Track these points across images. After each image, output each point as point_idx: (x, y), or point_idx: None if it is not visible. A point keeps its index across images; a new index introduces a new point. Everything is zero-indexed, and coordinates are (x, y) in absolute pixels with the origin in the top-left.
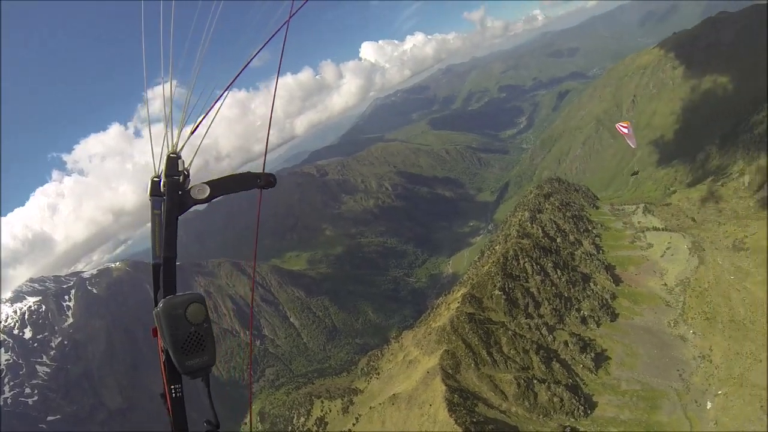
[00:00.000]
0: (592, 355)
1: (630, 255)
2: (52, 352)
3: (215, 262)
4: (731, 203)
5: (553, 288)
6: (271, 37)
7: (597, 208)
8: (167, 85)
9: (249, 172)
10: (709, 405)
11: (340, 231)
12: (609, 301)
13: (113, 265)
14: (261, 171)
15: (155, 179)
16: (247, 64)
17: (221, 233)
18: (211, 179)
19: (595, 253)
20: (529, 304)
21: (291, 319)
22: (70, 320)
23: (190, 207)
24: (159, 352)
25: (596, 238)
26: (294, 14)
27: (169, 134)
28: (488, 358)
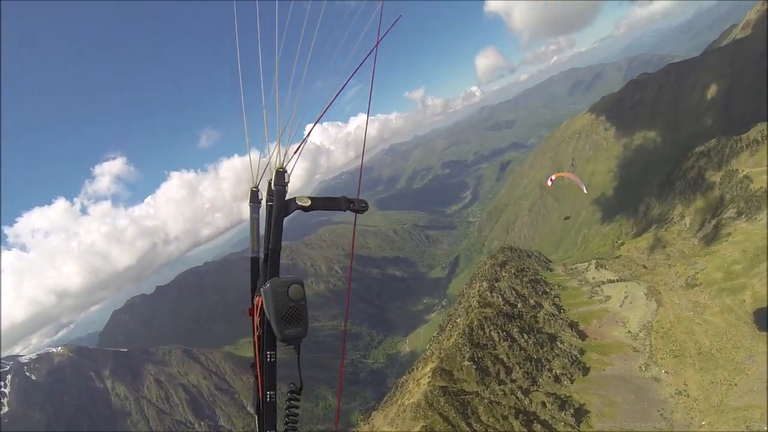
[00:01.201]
0: (572, 411)
1: (590, 309)
2: None
3: (165, 349)
4: (677, 245)
5: (522, 352)
6: (362, 63)
7: (551, 270)
8: (273, 104)
9: (344, 197)
10: None
11: None
12: (578, 356)
13: (54, 350)
14: (343, 196)
15: (253, 189)
16: (343, 87)
17: (171, 319)
18: (311, 196)
19: (557, 312)
20: (500, 370)
21: (248, 408)
22: (5, 409)
23: (294, 211)
24: (254, 328)
25: (555, 299)
26: (382, 39)
27: (276, 152)
28: (468, 429)
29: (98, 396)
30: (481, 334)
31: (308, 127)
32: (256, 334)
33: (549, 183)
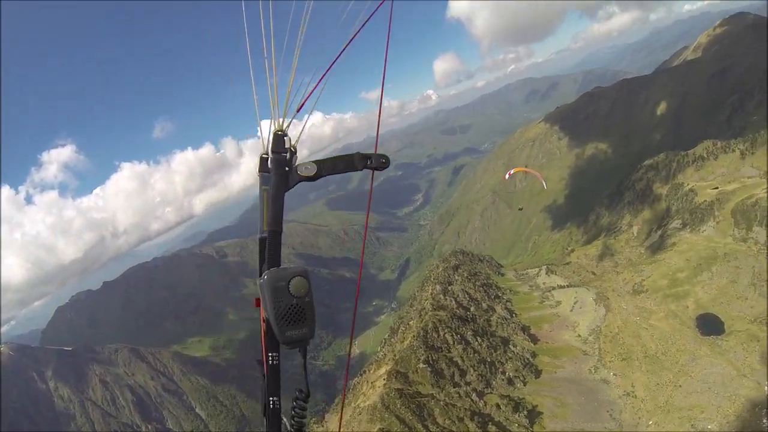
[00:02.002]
0: (525, 413)
1: (542, 314)
2: None
3: (112, 348)
4: (625, 253)
5: (476, 355)
6: (372, 14)
7: (502, 275)
8: (271, 64)
9: (359, 153)
10: None
11: (244, 315)
12: (530, 359)
13: None
14: (363, 153)
15: (264, 156)
16: (348, 42)
17: (118, 317)
18: (318, 159)
19: (509, 316)
20: (454, 373)
21: (197, 410)
22: None
23: (297, 183)
24: (261, 321)
25: (507, 303)
26: None
27: (276, 112)
28: (424, 431)
29: (41, 397)
30: (436, 336)
31: (308, 104)
32: (263, 328)
33: (507, 176)
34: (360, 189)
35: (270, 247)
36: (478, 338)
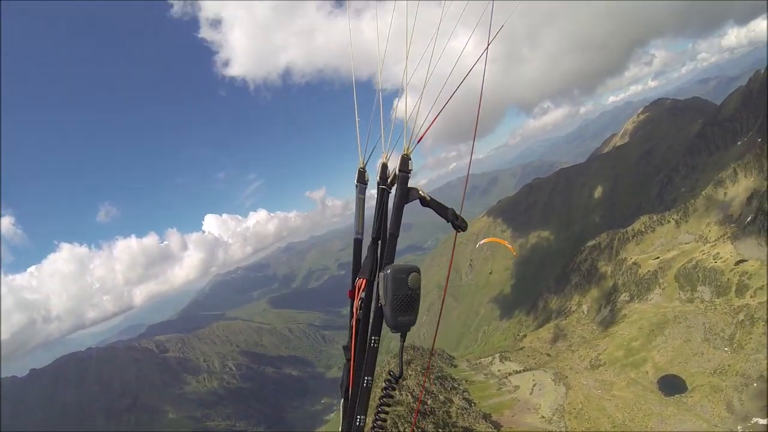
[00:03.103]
0: None
1: (501, 400)
2: None
3: None
4: (577, 332)
5: None
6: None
7: (455, 366)
8: (396, 94)
9: (452, 209)
10: None
11: (184, 413)
12: None
13: None
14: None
15: (361, 169)
16: (468, 72)
17: (44, 407)
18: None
19: (468, 406)
20: None
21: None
22: None
23: (415, 199)
24: (354, 311)
25: (464, 393)
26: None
27: (405, 139)
28: None
29: None
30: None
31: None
32: (355, 317)
33: (477, 245)
34: (303, 288)
35: (389, 248)
36: (440, 430)
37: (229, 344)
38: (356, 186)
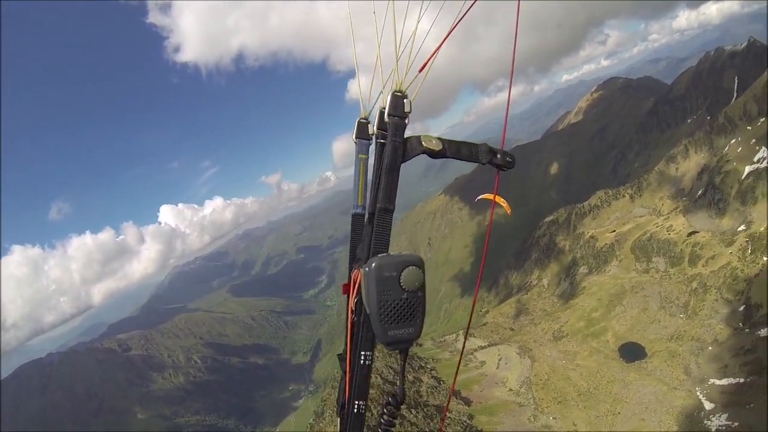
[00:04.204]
0: None
1: (469, 376)
2: None
3: None
4: (539, 305)
5: (413, 427)
6: None
7: (421, 345)
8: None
9: (486, 144)
10: None
11: (154, 412)
12: (468, 422)
13: None
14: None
15: (362, 120)
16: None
17: (8, 420)
18: (440, 137)
19: (438, 384)
20: None
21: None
22: None
23: (418, 155)
24: (348, 311)
25: (433, 371)
26: None
27: (396, 70)
28: None
29: None
30: (369, 415)
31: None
32: (350, 318)
33: (477, 199)
34: (263, 274)
35: (378, 228)
36: (413, 410)
37: (192, 337)
38: (355, 143)
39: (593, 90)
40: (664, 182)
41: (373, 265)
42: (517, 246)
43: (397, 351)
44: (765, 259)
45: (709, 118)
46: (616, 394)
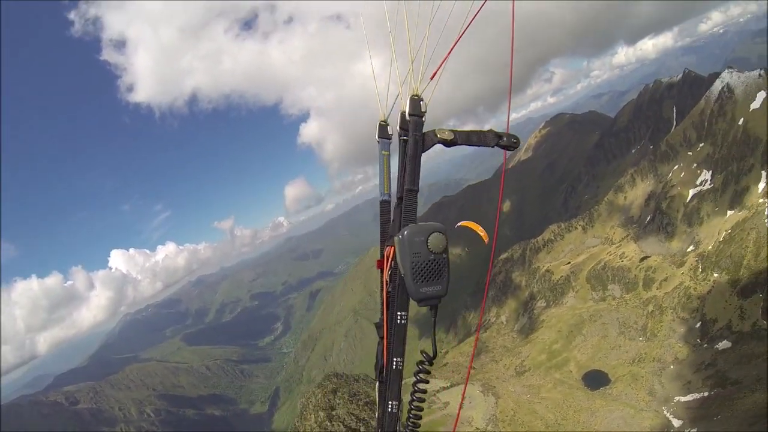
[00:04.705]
0: None
1: (433, 419)
2: None
3: None
4: (499, 342)
5: None
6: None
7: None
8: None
9: (492, 130)
10: None
11: None
12: None
13: None
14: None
15: (382, 123)
16: (481, 8)
17: None
18: (452, 128)
19: (403, 429)
20: None
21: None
22: None
23: (434, 145)
24: (383, 283)
25: None
26: None
27: (411, 77)
28: None
29: None
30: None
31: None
32: (386, 289)
33: (456, 226)
34: (217, 322)
35: (407, 206)
36: None
37: (144, 388)
38: (378, 142)
39: (541, 127)
40: (613, 211)
41: (405, 232)
42: (473, 285)
43: (427, 307)
44: (715, 275)
45: (652, 147)
46: (584, 422)
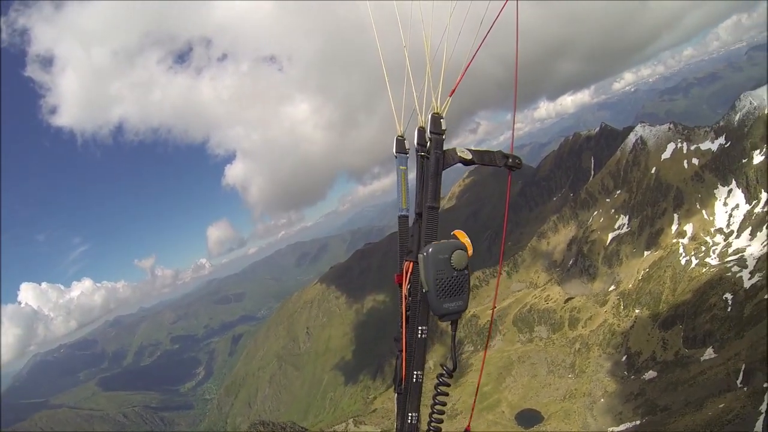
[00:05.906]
0: None
1: None
2: None
3: None
4: (428, 387)
5: None
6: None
7: None
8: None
9: (500, 151)
10: None
11: None
12: None
13: None
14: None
15: (399, 138)
16: (492, 24)
17: None
18: (468, 147)
19: None
20: None
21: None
22: None
23: (454, 164)
24: (402, 299)
25: None
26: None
27: (433, 97)
28: None
29: None
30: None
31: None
32: (405, 303)
33: (452, 234)
34: (136, 365)
35: (429, 223)
36: None
37: None
38: (395, 157)
39: (464, 176)
40: (537, 257)
41: (430, 250)
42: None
43: (448, 322)
44: (637, 311)
45: (572, 194)
46: None
